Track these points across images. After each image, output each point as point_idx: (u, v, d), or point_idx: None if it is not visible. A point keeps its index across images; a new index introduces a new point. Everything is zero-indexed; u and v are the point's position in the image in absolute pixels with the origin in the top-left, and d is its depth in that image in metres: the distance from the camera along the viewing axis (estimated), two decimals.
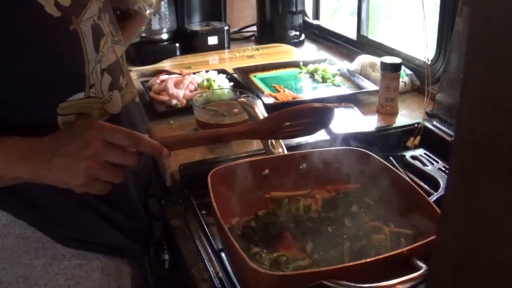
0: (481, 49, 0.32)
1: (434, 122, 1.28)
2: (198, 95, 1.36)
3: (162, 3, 1.80)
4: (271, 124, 0.86)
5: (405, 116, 1.36)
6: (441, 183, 1.07)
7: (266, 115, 1.06)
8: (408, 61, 1.54)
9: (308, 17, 2.22)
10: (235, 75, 1.63)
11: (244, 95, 1.29)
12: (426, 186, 1.08)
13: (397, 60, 1.36)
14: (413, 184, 0.90)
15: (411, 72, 1.52)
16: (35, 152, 0.74)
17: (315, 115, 0.87)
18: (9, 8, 0.73)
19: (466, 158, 0.34)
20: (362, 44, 1.82)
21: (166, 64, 1.81)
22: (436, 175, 1.10)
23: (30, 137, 0.76)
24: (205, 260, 0.90)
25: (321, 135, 1.21)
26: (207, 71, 1.60)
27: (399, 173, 0.95)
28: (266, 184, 0.97)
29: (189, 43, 1.95)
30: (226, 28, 1.99)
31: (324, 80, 1.58)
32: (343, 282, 0.68)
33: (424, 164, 1.16)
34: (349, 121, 1.27)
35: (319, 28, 2.13)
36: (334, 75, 1.59)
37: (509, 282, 0.32)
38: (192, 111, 1.29)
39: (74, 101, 0.82)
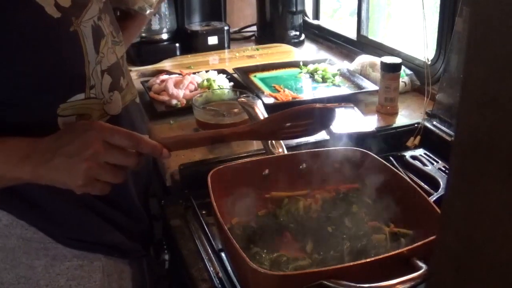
0: (481, 49, 0.32)
1: (434, 122, 1.28)
2: (198, 95, 1.36)
3: (162, 3, 1.80)
4: (272, 124, 0.86)
5: (405, 116, 1.36)
6: (441, 183, 1.07)
7: (266, 115, 1.06)
8: (408, 61, 1.54)
9: (308, 17, 2.22)
10: (235, 75, 1.63)
11: (244, 95, 1.29)
12: (426, 186, 1.08)
13: (397, 60, 1.36)
14: (413, 184, 0.90)
15: (411, 72, 1.52)
16: (35, 152, 0.74)
17: (316, 115, 0.87)
18: (9, 9, 0.73)
19: (466, 158, 0.34)
20: (362, 44, 1.82)
21: (166, 64, 1.81)
22: (436, 175, 1.10)
23: (30, 138, 0.76)
24: (205, 260, 0.90)
25: (321, 135, 1.21)
26: (207, 71, 1.60)
27: (399, 173, 0.95)
28: (266, 184, 0.97)
29: (189, 43, 1.95)
30: (226, 28, 1.99)
31: (324, 80, 1.58)
32: (343, 282, 0.68)
33: (424, 164, 1.16)
34: (349, 121, 1.27)
35: (319, 28, 2.13)
36: (334, 75, 1.59)
37: (509, 282, 0.32)
38: (192, 111, 1.29)
39: (74, 102, 0.82)
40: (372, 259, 0.74)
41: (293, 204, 0.95)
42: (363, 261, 0.74)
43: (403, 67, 1.42)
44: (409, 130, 1.27)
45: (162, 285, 1.20)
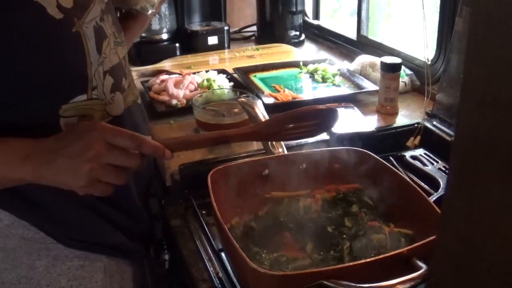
0: (481, 49, 0.32)
1: (434, 122, 1.28)
2: (198, 95, 1.36)
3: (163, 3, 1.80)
4: (275, 126, 0.86)
5: (405, 116, 1.36)
6: (441, 183, 1.07)
7: (266, 115, 1.06)
8: (408, 61, 1.54)
9: (308, 17, 2.22)
10: (235, 75, 1.63)
11: (244, 95, 1.29)
12: (426, 186, 1.08)
13: (397, 60, 1.36)
14: (413, 184, 0.90)
15: (411, 72, 1.52)
16: (37, 153, 0.74)
17: (319, 117, 0.88)
18: (11, 10, 0.73)
19: (466, 158, 0.34)
20: (362, 44, 1.82)
21: (166, 64, 1.81)
22: (436, 175, 1.10)
23: (32, 138, 0.76)
24: (205, 260, 0.90)
25: (321, 135, 1.20)
26: (207, 71, 1.60)
27: (399, 173, 0.95)
28: (266, 184, 0.97)
29: (189, 43, 1.95)
30: (226, 28, 1.99)
31: (324, 80, 1.58)
32: (343, 282, 0.68)
33: (424, 164, 1.16)
34: (349, 121, 1.27)
35: (319, 28, 2.13)
36: (334, 75, 1.59)
37: (509, 282, 0.32)
38: (192, 111, 1.29)
39: (76, 103, 0.82)
40: (372, 259, 0.74)
41: (293, 204, 0.95)
42: (363, 261, 0.74)
43: (403, 67, 1.42)
44: (409, 130, 1.27)
45: (162, 285, 1.20)
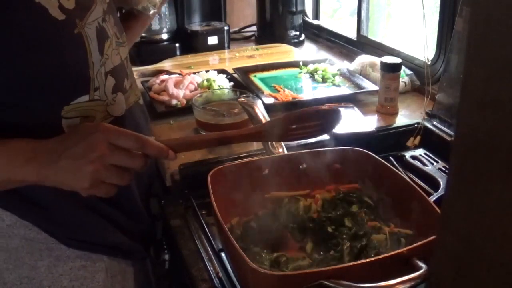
0: (481, 49, 0.32)
1: (434, 122, 1.28)
2: (198, 95, 1.36)
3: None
4: (278, 126, 0.86)
5: (405, 116, 1.36)
6: (441, 183, 1.07)
7: (266, 115, 1.06)
8: (408, 61, 1.54)
9: (308, 17, 2.22)
10: (235, 75, 1.63)
11: (244, 95, 1.29)
12: (426, 186, 1.08)
13: (397, 60, 1.36)
14: (413, 184, 0.90)
15: (411, 72, 1.52)
16: (41, 154, 0.74)
17: (322, 117, 0.88)
18: (13, 11, 0.73)
19: (466, 158, 0.34)
20: (362, 44, 1.82)
21: (166, 64, 1.81)
22: (436, 175, 1.10)
23: (35, 140, 0.76)
24: (205, 260, 0.90)
25: (321, 135, 1.20)
26: (207, 71, 1.60)
27: (399, 173, 0.95)
28: (266, 184, 0.97)
29: (189, 43, 1.95)
30: (226, 28, 1.99)
31: (324, 80, 1.58)
32: (343, 282, 0.68)
33: (424, 164, 1.16)
34: (349, 121, 1.27)
35: (319, 28, 2.13)
36: (334, 75, 1.59)
37: (509, 282, 0.32)
38: (192, 111, 1.29)
39: (78, 104, 0.82)
40: (372, 259, 0.74)
41: (293, 204, 0.95)
42: (363, 261, 0.74)
43: (403, 67, 1.42)
44: (409, 130, 1.27)
45: (162, 285, 1.20)
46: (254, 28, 2.19)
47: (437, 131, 1.24)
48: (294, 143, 1.17)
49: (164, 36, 1.92)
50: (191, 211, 1.04)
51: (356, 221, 0.90)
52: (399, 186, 0.90)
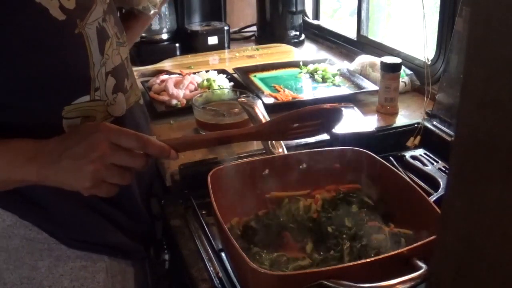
0: (481, 49, 0.32)
1: (434, 122, 1.28)
2: (198, 95, 1.36)
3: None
4: (279, 125, 0.86)
5: (405, 116, 1.36)
6: (441, 183, 1.07)
7: (266, 115, 1.06)
8: (408, 61, 1.54)
9: (308, 17, 2.22)
10: (235, 75, 1.63)
11: (244, 95, 1.29)
12: (426, 186, 1.08)
13: (397, 60, 1.36)
14: (413, 184, 0.90)
15: (411, 72, 1.52)
16: (42, 154, 0.74)
17: (323, 116, 0.88)
18: (13, 12, 0.73)
19: (466, 158, 0.34)
20: (362, 44, 1.82)
21: (166, 64, 1.81)
22: (436, 175, 1.10)
23: (36, 140, 0.76)
24: (205, 260, 0.90)
25: (321, 135, 1.20)
26: (207, 71, 1.60)
27: (399, 173, 0.95)
28: (266, 184, 0.97)
29: (189, 43, 1.95)
30: (226, 28, 1.99)
31: (324, 80, 1.58)
32: (343, 282, 0.68)
33: (424, 164, 1.16)
34: (349, 121, 1.27)
35: (319, 28, 2.13)
36: (334, 75, 1.59)
37: (509, 282, 0.32)
38: (192, 111, 1.29)
39: (79, 104, 0.81)
40: (372, 259, 0.74)
41: (293, 204, 0.95)
42: (363, 261, 0.74)
43: (403, 67, 1.42)
44: (409, 130, 1.27)
45: (162, 285, 1.20)
46: (254, 28, 2.19)
47: (437, 131, 1.24)
48: (294, 143, 1.17)
49: (164, 36, 1.92)
50: (191, 211, 1.04)
51: (356, 221, 0.89)
52: (399, 186, 0.90)
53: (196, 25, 2.01)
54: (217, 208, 0.81)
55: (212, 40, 1.96)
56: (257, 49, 1.98)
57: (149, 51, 1.87)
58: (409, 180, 0.93)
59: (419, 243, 0.74)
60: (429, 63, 1.36)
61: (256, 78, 1.62)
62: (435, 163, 1.16)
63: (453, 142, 0.36)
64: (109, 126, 0.75)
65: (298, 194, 0.97)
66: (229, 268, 0.87)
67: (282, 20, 2.06)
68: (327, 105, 0.90)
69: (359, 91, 1.48)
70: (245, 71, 1.66)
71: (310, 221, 0.91)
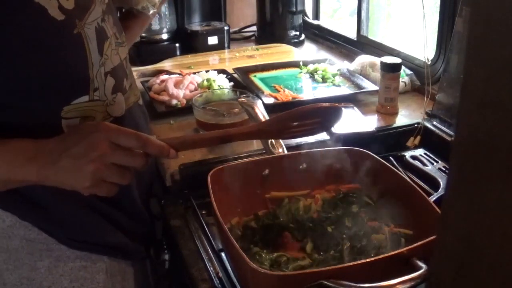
0: (481, 49, 0.32)
1: (434, 122, 1.28)
2: (198, 95, 1.36)
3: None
4: (279, 124, 0.86)
5: (405, 116, 1.36)
6: (441, 183, 1.07)
7: (266, 115, 1.06)
8: (408, 61, 1.54)
9: (308, 17, 2.22)
10: (235, 75, 1.63)
11: (244, 95, 1.29)
12: (426, 186, 1.08)
13: (397, 60, 1.36)
14: (413, 184, 0.90)
15: (411, 72, 1.52)
16: (41, 154, 0.74)
17: (323, 114, 0.88)
18: (12, 11, 0.73)
19: (466, 158, 0.34)
20: (362, 44, 1.82)
21: (166, 64, 1.81)
22: (436, 175, 1.10)
23: (36, 140, 0.76)
24: (205, 260, 0.90)
25: (321, 135, 1.20)
26: (207, 71, 1.60)
27: (399, 173, 0.95)
28: (266, 184, 0.97)
29: (189, 43, 1.95)
30: (226, 28, 1.99)
31: (324, 80, 1.58)
32: (343, 282, 0.68)
33: (424, 164, 1.16)
34: (349, 121, 1.27)
35: (319, 28, 2.13)
36: (334, 75, 1.59)
37: (509, 282, 0.32)
38: (192, 111, 1.29)
39: (78, 104, 0.81)
40: (372, 259, 0.74)
41: (293, 204, 0.95)
42: (363, 261, 0.74)
43: (403, 67, 1.42)
44: (409, 130, 1.27)
45: (162, 285, 1.20)
46: (254, 28, 2.19)
47: (437, 131, 1.24)
48: (294, 143, 1.17)
49: (164, 36, 1.92)
50: (191, 211, 1.04)
51: (356, 221, 0.89)
52: (399, 186, 0.90)
53: (196, 25, 2.01)
54: (217, 208, 0.81)
55: (212, 40, 1.96)
56: (257, 49, 1.98)
57: (149, 51, 1.87)
58: (409, 180, 0.93)
59: (419, 243, 0.74)
60: (429, 63, 1.36)
61: (256, 78, 1.62)
62: (435, 163, 1.16)
63: (453, 142, 0.36)
64: (109, 125, 0.75)
65: (298, 194, 0.97)
66: (229, 268, 0.87)
67: (282, 20, 2.06)
68: (327, 104, 0.90)
69: (359, 91, 1.48)
70: (245, 71, 1.66)
71: (310, 221, 0.91)
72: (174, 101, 1.43)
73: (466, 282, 0.36)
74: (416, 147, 1.24)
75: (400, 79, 1.39)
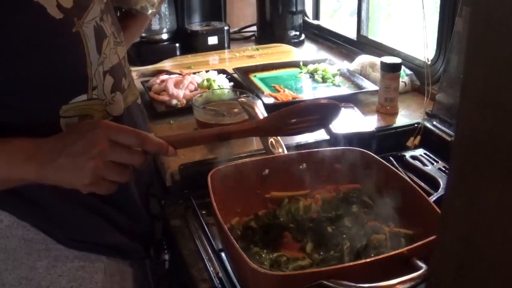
0: (481, 49, 0.32)
1: (434, 122, 1.28)
2: (198, 95, 1.36)
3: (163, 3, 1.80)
4: (277, 121, 0.86)
5: (405, 116, 1.36)
6: (441, 183, 1.07)
7: (266, 115, 1.06)
8: (408, 61, 1.54)
9: (308, 17, 2.22)
10: (235, 75, 1.63)
11: (244, 95, 1.29)
12: (426, 186, 1.08)
13: (397, 60, 1.36)
14: (413, 184, 0.90)
15: (411, 72, 1.52)
16: (40, 152, 0.74)
17: (321, 111, 0.88)
18: (11, 10, 0.73)
19: (466, 158, 0.34)
20: (362, 44, 1.82)
21: (166, 64, 1.81)
22: (436, 175, 1.10)
23: (34, 138, 0.76)
24: (205, 260, 0.90)
25: (321, 135, 1.21)
26: (207, 71, 1.60)
27: (399, 173, 0.95)
28: (266, 184, 0.97)
29: (189, 43, 1.95)
30: (226, 28, 1.99)
31: (324, 80, 1.58)
32: (343, 282, 0.68)
33: (424, 164, 1.16)
34: (349, 121, 1.27)
35: (319, 28, 2.13)
36: (334, 75, 1.59)
37: (509, 282, 0.32)
38: (192, 111, 1.29)
39: (76, 103, 0.81)
40: (372, 259, 0.74)
41: (293, 204, 0.95)
42: (363, 261, 0.74)
43: (403, 67, 1.42)
44: (409, 130, 1.27)
45: (162, 285, 1.20)
46: (254, 28, 2.19)
47: (437, 131, 1.24)
48: (294, 143, 1.17)
49: (164, 36, 1.92)
50: (191, 211, 1.04)
51: (356, 221, 0.89)
52: (399, 186, 0.90)
53: (196, 25, 2.01)
54: (217, 208, 0.81)
55: (212, 40, 1.96)
56: (257, 49, 1.98)
57: (149, 51, 1.87)
58: (409, 180, 0.93)
59: (419, 243, 0.74)
60: (429, 63, 1.36)
61: (256, 78, 1.62)
62: (435, 163, 1.16)
63: (453, 142, 0.36)
64: (108, 123, 0.75)
65: (298, 194, 0.97)
66: (229, 268, 0.87)
67: (282, 20, 2.06)
68: (325, 100, 0.90)
69: (359, 91, 1.48)
70: (245, 71, 1.66)
71: (310, 221, 0.91)
72: (174, 101, 1.43)
73: (466, 282, 0.36)
74: (416, 147, 1.24)
75: (400, 79, 1.39)
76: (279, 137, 1.04)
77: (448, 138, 1.21)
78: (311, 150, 1.02)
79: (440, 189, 1.05)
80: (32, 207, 0.84)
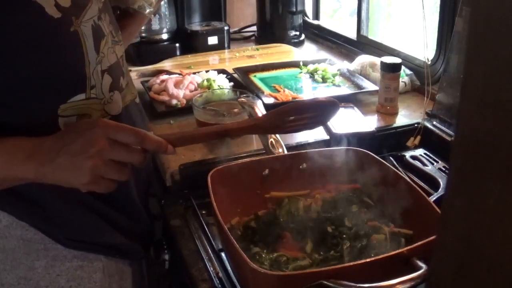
0: (481, 49, 0.32)
1: (434, 122, 1.28)
2: (198, 95, 1.36)
3: (162, 2, 1.80)
4: (276, 118, 0.86)
5: (405, 116, 1.36)
6: (441, 183, 1.07)
7: None
8: (408, 61, 1.54)
9: (308, 17, 2.22)
10: (235, 75, 1.63)
11: (244, 95, 1.29)
12: (426, 186, 1.08)
13: (397, 60, 1.36)
14: (413, 184, 0.90)
15: (411, 72, 1.52)
16: (39, 151, 0.74)
17: (319, 109, 0.88)
18: (9, 10, 0.73)
19: (466, 158, 0.34)
20: (362, 44, 1.82)
21: (166, 64, 1.81)
22: (436, 175, 1.10)
23: (33, 137, 0.76)
24: (205, 260, 0.90)
25: (321, 135, 1.21)
26: (207, 71, 1.60)
27: (399, 173, 0.95)
28: (266, 184, 0.97)
29: (189, 43, 1.95)
30: (226, 28, 1.99)
31: (324, 80, 1.58)
32: (343, 282, 0.68)
33: (424, 164, 1.16)
34: (349, 121, 1.27)
35: (319, 28, 2.13)
36: (334, 75, 1.59)
37: (509, 282, 0.32)
38: (192, 111, 1.29)
39: (74, 102, 0.81)
40: (372, 259, 0.74)
41: (293, 204, 0.95)
42: (363, 261, 0.74)
43: (403, 67, 1.42)
44: (409, 130, 1.27)
45: (162, 285, 1.20)
46: (254, 28, 2.19)
47: (437, 131, 1.24)
48: (294, 143, 1.17)
49: (164, 36, 1.92)
50: (191, 211, 1.04)
51: (356, 221, 0.89)
52: (399, 186, 0.90)
53: (196, 25, 2.01)
54: (217, 208, 0.81)
55: (212, 40, 1.96)
56: (257, 49, 1.98)
57: (149, 51, 1.87)
58: (409, 180, 0.93)
59: (419, 243, 0.74)
60: (429, 63, 1.36)
61: (256, 78, 1.62)
62: (435, 163, 1.16)
63: (453, 142, 0.36)
64: (107, 121, 0.75)
65: (298, 194, 0.97)
66: (229, 268, 0.87)
67: (282, 20, 2.06)
68: (323, 98, 0.90)
69: (359, 91, 1.48)
70: (245, 71, 1.66)
71: (310, 221, 0.91)
72: (174, 101, 1.43)
73: (466, 282, 0.36)
74: (416, 147, 1.24)
75: (400, 79, 1.39)
76: (279, 137, 1.04)
77: (448, 138, 1.21)
78: (311, 150, 1.02)
79: (440, 189, 1.05)
80: (31, 207, 0.84)
